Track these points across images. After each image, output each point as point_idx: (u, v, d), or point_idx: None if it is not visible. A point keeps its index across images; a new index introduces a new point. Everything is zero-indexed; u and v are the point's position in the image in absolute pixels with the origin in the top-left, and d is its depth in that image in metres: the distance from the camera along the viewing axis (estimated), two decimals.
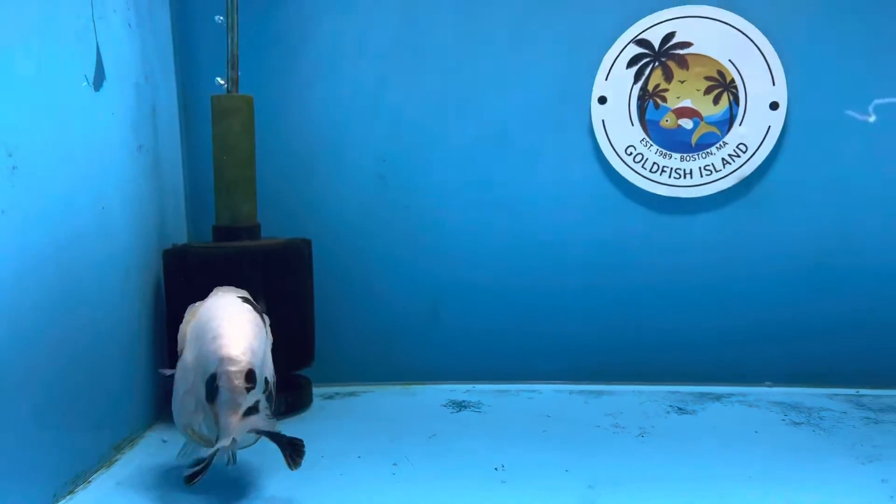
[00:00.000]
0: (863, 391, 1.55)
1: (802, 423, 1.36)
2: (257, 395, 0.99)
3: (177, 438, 1.08)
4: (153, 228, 1.42)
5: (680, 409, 1.45)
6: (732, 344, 1.60)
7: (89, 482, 1.11)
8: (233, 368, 0.97)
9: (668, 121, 1.55)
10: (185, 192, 1.61)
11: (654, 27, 1.53)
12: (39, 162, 1.02)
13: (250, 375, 0.98)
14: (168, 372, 1.13)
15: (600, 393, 1.56)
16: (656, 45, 1.53)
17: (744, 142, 1.53)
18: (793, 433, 1.31)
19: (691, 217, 1.58)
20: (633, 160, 1.56)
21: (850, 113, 1.50)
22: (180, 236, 1.57)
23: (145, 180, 1.39)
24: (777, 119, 1.52)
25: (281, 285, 1.39)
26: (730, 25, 1.51)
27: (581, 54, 1.55)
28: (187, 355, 1.06)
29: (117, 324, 1.26)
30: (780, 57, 1.50)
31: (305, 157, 1.60)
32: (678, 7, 1.52)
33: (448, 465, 1.17)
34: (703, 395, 1.54)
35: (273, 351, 1.14)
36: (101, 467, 1.17)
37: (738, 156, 1.54)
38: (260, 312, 1.12)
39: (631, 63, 1.54)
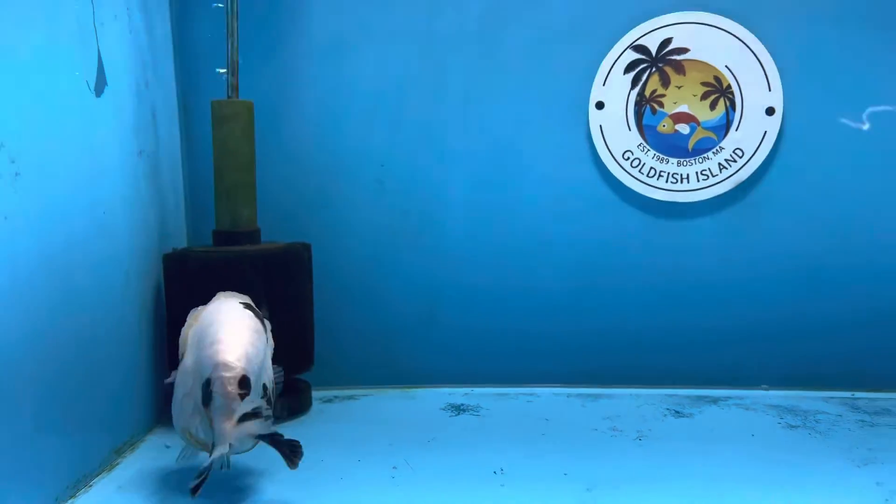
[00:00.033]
0: (858, 394, 1.56)
1: (799, 426, 1.37)
2: (254, 400, 1.00)
3: (178, 443, 1.09)
4: (153, 233, 1.43)
5: (677, 412, 1.46)
6: (729, 347, 1.61)
7: (90, 486, 1.12)
8: (227, 374, 0.98)
9: (665, 126, 1.56)
10: (184, 196, 1.61)
11: (651, 33, 1.54)
12: (42, 168, 1.03)
13: (244, 382, 0.98)
14: (171, 380, 1.14)
15: (598, 396, 1.57)
16: (653, 51, 1.55)
17: (740, 147, 1.55)
18: (789, 436, 1.32)
19: (688, 221, 1.59)
20: (631, 165, 1.57)
21: (845, 121, 1.52)
22: (180, 240, 1.57)
23: (146, 185, 1.40)
24: (773, 124, 1.53)
25: (281, 290, 1.40)
26: (726, 31, 1.52)
27: (579, 60, 1.56)
28: (187, 359, 1.07)
29: (118, 327, 1.26)
30: (776, 63, 1.52)
31: (305, 162, 1.61)
32: (675, 13, 1.53)
33: (448, 469, 1.18)
34: (700, 398, 1.55)
35: (273, 355, 1.15)
36: (103, 471, 1.17)
37: (735, 161, 1.55)
38: (261, 318, 1.13)
39: (628, 69, 1.56)
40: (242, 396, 0.98)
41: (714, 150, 1.56)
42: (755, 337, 1.60)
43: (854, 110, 1.52)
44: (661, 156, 1.57)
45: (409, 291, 1.64)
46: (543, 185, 1.60)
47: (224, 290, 1.26)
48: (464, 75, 1.58)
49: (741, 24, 1.52)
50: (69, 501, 1.06)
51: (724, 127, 1.55)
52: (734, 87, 1.54)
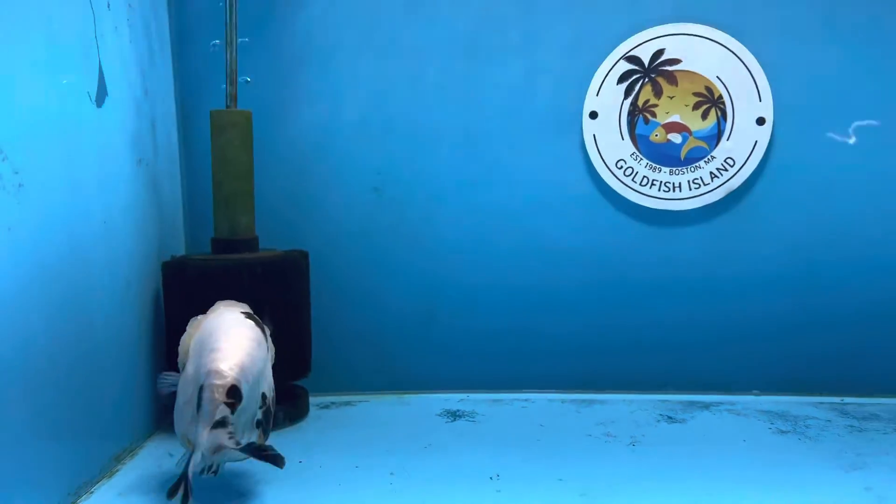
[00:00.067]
0: (847, 399, 1.59)
1: (789, 431, 1.39)
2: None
3: (180, 449, 1.10)
4: (153, 240, 1.44)
5: (670, 417, 1.48)
6: (721, 353, 1.63)
7: (91, 493, 1.13)
8: (217, 382, 1.00)
9: (657, 135, 1.59)
10: (183, 204, 1.63)
11: (644, 44, 1.57)
12: (44, 178, 1.04)
13: (232, 391, 1.00)
14: (165, 385, 1.15)
15: (592, 402, 1.59)
16: (646, 62, 1.57)
17: (731, 156, 1.57)
18: (780, 442, 1.34)
19: (680, 229, 1.62)
20: (624, 174, 1.60)
21: (831, 135, 1.54)
22: (178, 248, 1.59)
23: (145, 193, 1.41)
24: (763, 134, 1.56)
25: (279, 297, 1.41)
26: (718, 43, 1.55)
27: (573, 70, 1.59)
28: (189, 368, 1.08)
29: (117, 335, 1.28)
30: (767, 74, 1.54)
31: (302, 171, 1.62)
32: (667, 25, 1.56)
33: (444, 475, 1.19)
34: (692, 403, 1.58)
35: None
36: (103, 477, 1.18)
37: (726, 170, 1.57)
38: (261, 327, 1.15)
39: (621, 79, 1.58)
40: (229, 405, 0.99)
41: (706, 159, 1.58)
42: (746, 343, 1.63)
43: (841, 122, 1.55)
44: (654, 164, 1.59)
45: (405, 298, 1.66)
46: (537, 194, 1.62)
47: (223, 297, 1.27)
48: (459, 84, 1.60)
49: (732, 36, 1.54)
50: None
51: (715, 136, 1.57)
52: (725, 98, 1.56)
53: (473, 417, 1.50)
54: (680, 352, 1.63)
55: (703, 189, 1.59)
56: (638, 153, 1.59)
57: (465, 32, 1.60)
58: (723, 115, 1.57)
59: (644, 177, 1.59)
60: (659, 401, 1.59)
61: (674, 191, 1.59)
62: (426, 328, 1.66)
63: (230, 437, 0.98)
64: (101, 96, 1.23)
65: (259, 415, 1.07)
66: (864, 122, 1.53)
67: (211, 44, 1.51)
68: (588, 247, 1.62)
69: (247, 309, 1.21)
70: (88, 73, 1.20)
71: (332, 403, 1.60)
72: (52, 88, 1.08)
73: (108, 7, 1.27)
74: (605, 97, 1.58)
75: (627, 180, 1.60)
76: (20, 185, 0.98)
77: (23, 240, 0.99)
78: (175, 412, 1.08)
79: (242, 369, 1.02)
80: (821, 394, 1.61)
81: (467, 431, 1.42)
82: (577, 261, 1.62)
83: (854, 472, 1.19)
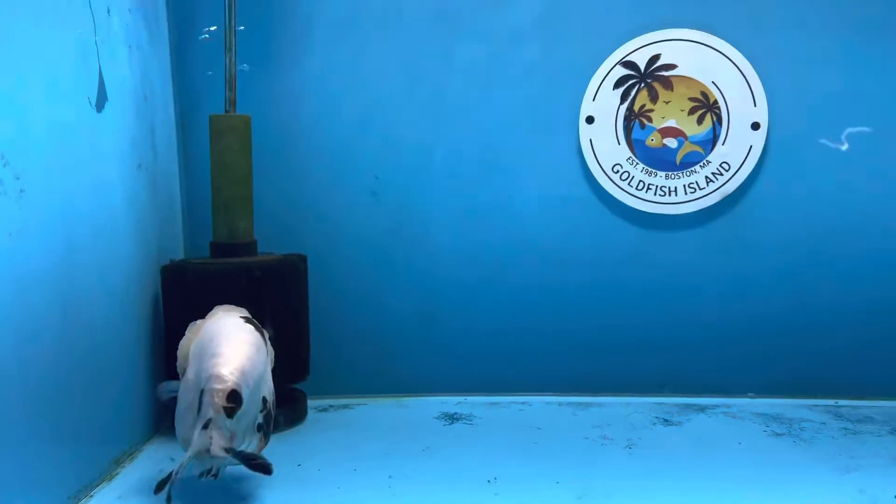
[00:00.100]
0: (841, 402, 1.60)
1: (784, 434, 1.41)
2: (249, 414, 1.03)
3: (181, 453, 1.11)
4: (152, 245, 1.45)
5: (666, 420, 1.49)
6: (716, 355, 1.65)
7: (91, 496, 1.13)
8: (217, 386, 1.01)
9: (653, 140, 1.60)
10: (181, 208, 1.63)
11: (639, 49, 1.58)
12: (45, 183, 1.05)
13: (233, 396, 1.01)
14: (165, 392, 1.16)
15: (588, 405, 1.60)
16: (642, 67, 1.58)
17: (726, 160, 1.58)
18: (775, 444, 1.35)
19: (676, 233, 1.63)
20: (620, 178, 1.61)
21: (824, 141, 1.56)
22: (177, 252, 1.59)
23: (144, 198, 1.42)
24: (758, 139, 1.57)
25: (277, 301, 1.42)
26: (713, 48, 1.56)
27: (569, 75, 1.60)
28: (189, 373, 1.09)
29: (117, 338, 1.28)
30: (761, 79, 1.55)
31: (300, 175, 1.63)
32: (663, 30, 1.57)
33: (442, 478, 1.20)
34: (688, 406, 1.59)
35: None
36: (103, 481, 1.19)
37: (721, 174, 1.59)
38: (260, 331, 1.16)
39: (617, 84, 1.59)
40: (229, 410, 1.00)
41: (701, 163, 1.59)
42: (741, 345, 1.64)
43: (835, 127, 1.56)
44: (650, 169, 1.60)
45: (402, 301, 1.67)
46: (534, 198, 1.63)
47: (222, 301, 1.28)
48: (457, 90, 1.61)
49: (727, 42, 1.56)
50: None
51: (710, 141, 1.59)
52: (721, 103, 1.57)
53: (471, 420, 1.51)
54: (676, 354, 1.65)
55: (699, 193, 1.60)
56: (634, 157, 1.60)
57: (464, 38, 1.60)
58: (718, 120, 1.58)
59: (640, 181, 1.61)
60: (655, 403, 1.60)
61: (670, 195, 1.60)
62: (424, 331, 1.67)
63: (220, 443, 0.99)
64: (101, 101, 1.24)
65: (260, 418, 1.08)
66: (857, 129, 1.55)
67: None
68: (585, 250, 1.63)
69: (245, 313, 1.22)
70: (89, 79, 1.21)
71: (331, 406, 1.61)
72: (53, 94, 1.09)
73: (108, 12, 1.28)
74: (602, 102, 1.59)
75: (624, 184, 1.61)
76: (21, 191, 0.99)
77: (24, 244, 0.99)
78: (176, 417, 1.09)
79: (243, 374, 1.02)
80: (815, 396, 1.62)
81: (465, 434, 1.43)
82: (574, 264, 1.64)
83: (848, 474, 1.20)
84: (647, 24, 1.57)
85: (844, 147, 1.55)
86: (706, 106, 1.58)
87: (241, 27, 1.49)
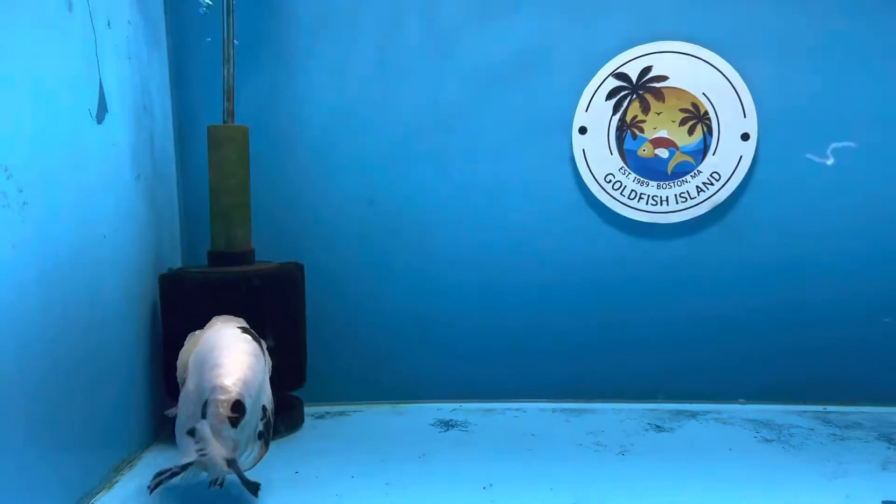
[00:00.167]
0: (830, 407, 1.63)
1: (773, 440, 1.43)
2: (251, 423, 1.05)
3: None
4: (150, 253, 1.46)
5: (658, 426, 1.52)
6: (707, 362, 1.67)
7: None
8: (222, 397, 1.03)
9: (645, 150, 1.63)
10: (179, 217, 1.65)
11: (631, 61, 1.61)
12: (47, 195, 1.07)
13: (237, 406, 1.03)
14: (172, 413, 1.18)
15: (582, 411, 1.62)
16: (634, 79, 1.61)
17: (717, 170, 1.61)
18: (764, 450, 1.38)
19: (667, 242, 1.65)
20: (612, 187, 1.63)
21: (810, 156, 1.59)
22: (175, 260, 1.61)
23: (143, 207, 1.43)
24: (748, 149, 1.60)
25: (275, 309, 1.44)
26: (703, 61, 1.59)
27: (562, 87, 1.62)
28: (189, 384, 1.11)
29: (116, 347, 1.30)
30: (751, 91, 1.58)
31: (297, 184, 1.65)
32: (655, 42, 1.60)
33: (439, 485, 1.22)
34: (679, 412, 1.61)
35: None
36: (103, 488, 1.20)
37: (712, 184, 1.61)
38: (258, 340, 1.17)
39: (610, 95, 1.62)
40: (234, 420, 1.02)
41: (692, 173, 1.62)
42: (732, 353, 1.66)
43: (822, 138, 1.59)
44: (642, 179, 1.63)
45: (398, 310, 1.68)
46: (529, 208, 1.65)
47: (220, 309, 1.30)
48: (453, 100, 1.63)
49: (718, 54, 1.58)
50: None
51: (701, 151, 1.61)
52: (711, 114, 1.60)
53: (466, 427, 1.53)
54: (668, 361, 1.67)
55: (690, 203, 1.62)
56: (626, 167, 1.63)
57: (460, 48, 1.62)
58: (709, 131, 1.61)
59: (632, 190, 1.63)
60: (647, 410, 1.63)
61: (661, 204, 1.63)
62: (419, 338, 1.69)
63: (223, 453, 1.02)
64: (101, 113, 1.26)
65: (260, 426, 1.10)
66: (842, 144, 1.58)
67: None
68: (578, 259, 1.66)
69: (243, 323, 1.23)
70: (89, 91, 1.22)
71: (327, 413, 1.62)
72: (55, 106, 1.11)
73: (109, 25, 1.29)
74: (594, 113, 1.62)
75: (616, 194, 1.63)
76: (24, 203, 1.01)
77: (26, 256, 1.01)
78: (177, 426, 1.11)
79: (245, 384, 1.04)
80: (805, 402, 1.65)
81: (461, 441, 1.45)
82: (567, 273, 1.66)
83: (836, 479, 1.23)
84: (639, 37, 1.60)
85: (830, 161, 1.58)
86: (697, 117, 1.61)
87: (237, 42, 1.51)
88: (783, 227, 1.63)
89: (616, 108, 1.62)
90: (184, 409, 1.09)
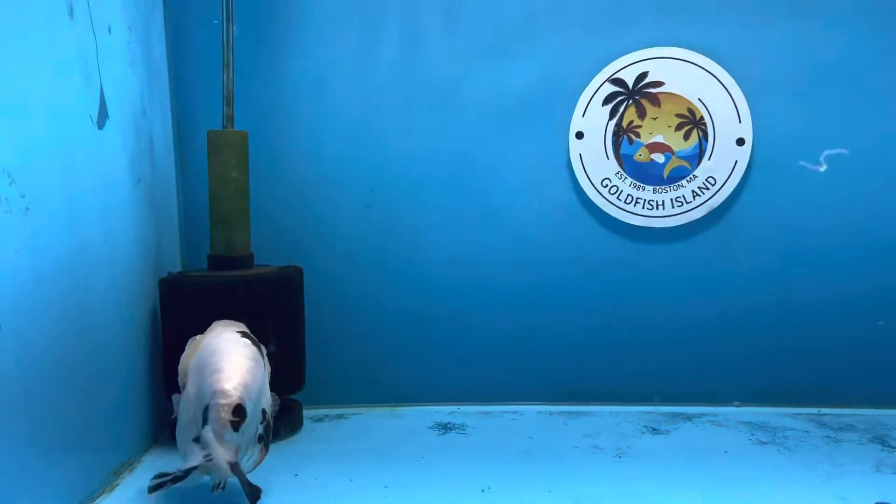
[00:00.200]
0: (824, 410, 1.65)
1: (768, 442, 1.45)
2: (251, 426, 1.06)
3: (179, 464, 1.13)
4: (150, 258, 1.47)
5: (654, 429, 1.53)
6: (702, 365, 1.68)
7: None
8: (223, 402, 1.04)
9: (641, 155, 1.64)
10: (178, 221, 1.66)
11: (628, 67, 1.62)
12: (49, 201, 1.07)
13: (238, 410, 1.04)
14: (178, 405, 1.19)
15: (578, 414, 1.63)
16: (630, 84, 1.62)
17: (712, 175, 1.63)
18: (760, 452, 1.39)
19: (663, 245, 1.67)
20: (609, 192, 1.65)
21: (803, 163, 1.61)
22: (174, 264, 1.62)
23: (143, 212, 1.44)
24: (743, 154, 1.61)
25: (275, 312, 1.45)
26: (699, 66, 1.60)
27: (560, 92, 1.63)
28: (190, 388, 1.12)
29: (117, 350, 1.30)
30: (746, 96, 1.60)
31: (296, 188, 1.66)
32: (651, 48, 1.61)
33: (437, 487, 1.23)
34: (675, 415, 1.62)
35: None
36: (104, 491, 1.21)
37: (708, 188, 1.63)
38: (257, 345, 1.18)
39: (606, 101, 1.63)
40: (235, 424, 1.03)
41: (688, 178, 1.63)
42: (727, 355, 1.68)
43: (817, 143, 1.61)
44: (638, 183, 1.64)
45: (396, 313, 1.69)
46: (526, 211, 1.66)
47: (219, 313, 1.31)
48: (450, 105, 1.65)
49: (713, 60, 1.60)
50: None
51: (697, 156, 1.63)
52: (706, 119, 1.62)
53: (464, 430, 1.54)
54: (664, 364, 1.68)
55: (686, 207, 1.64)
56: (623, 172, 1.64)
57: (457, 54, 1.64)
58: (704, 136, 1.62)
59: (628, 195, 1.64)
60: (644, 412, 1.64)
61: (657, 208, 1.64)
62: (417, 342, 1.70)
63: (227, 457, 1.03)
64: (102, 119, 1.27)
65: (260, 429, 1.11)
66: (835, 151, 1.60)
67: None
68: (575, 263, 1.67)
69: (243, 328, 1.24)
70: (90, 97, 1.23)
71: (326, 416, 1.63)
72: (57, 112, 1.11)
73: (110, 32, 1.30)
74: (591, 118, 1.63)
75: (612, 198, 1.65)
76: (27, 209, 1.01)
77: (28, 260, 1.01)
78: (178, 430, 1.12)
79: (245, 388, 1.05)
80: (799, 405, 1.66)
81: (458, 444, 1.46)
82: (565, 277, 1.67)
83: (830, 481, 1.24)
84: (635, 43, 1.62)
85: (823, 168, 1.60)
86: (692, 122, 1.62)
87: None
88: (778, 231, 1.64)
89: (613, 114, 1.63)
90: (184, 413, 1.10)
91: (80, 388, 1.15)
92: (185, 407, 1.11)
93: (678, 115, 1.62)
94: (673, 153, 1.63)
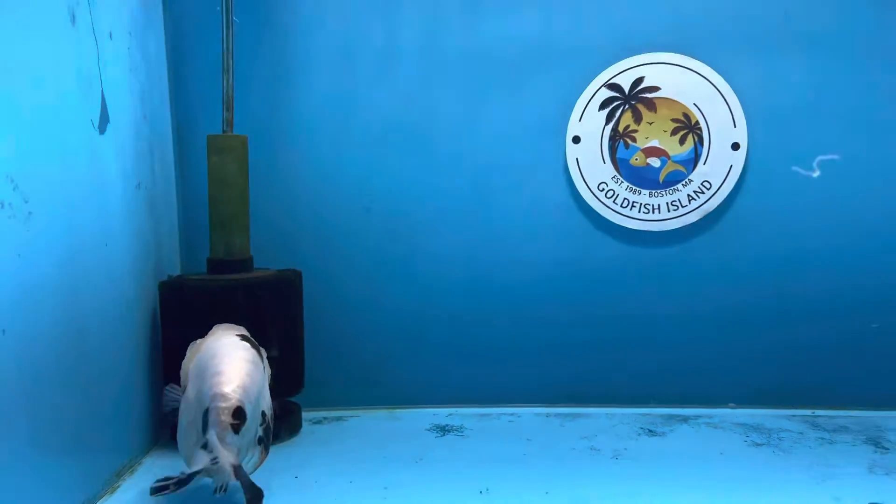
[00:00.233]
0: (818, 412, 1.66)
1: (763, 444, 1.46)
2: (251, 429, 1.07)
3: (184, 467, 1.14)
4: (150, 261, 1.48)
5: (650, 431, 1.54)
6: (698, 367, 1.70)
7: None
8: (222, 405, 1.05)
9: (637, 159, 1.66)
10: (178, 225, 1.67)
11: (624, 72, 1.64)
12: (51, 206, 1.08)
13: (237, 412, 1.05)
14: (169, 401, 1.19)
15: (576, 416, 1.65)
16: (626, 89, 1.64)
17: (708, 179, 1.64)
18: (755, 454, 1.41)
19: (659, 249, 1.68)
20: (605, 196, 1.66)
21: (796, 168, 1.62)
22: (174, 268, 1.62)
23: (144, 216, 1.45)
24: (738, 159, 1.63)
25: (274, 315, 1.46)
26: (694, 72, 1.62)
27: (557, 97, 1.65)
28: (190, 391, 1.13)
29: (117, 353, 1.31)
30: (741, 101, 1.61)
31: (295, 192, 1.67)
32: (647, 54, 1.63)
33: (436, 489, 1.24)
34: (671, 416, 1.64)
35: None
36: (105, 493, 1.22)
37: (703, 192, 1.65)
38: (257, 348, 1.19)
39: (603, 105, 1.65)
40: (235, 426, 1.04)
41: (683, 182, 1.65)
42: (723, 358, 1.69)
43: (811, 147, 1.62)
44: (634, 187, 1.66)
45: (394, 316, 1.70)
46: (523, 215, 1.68)
47: (219, 316, 1.32)
48: (448, 110, 1.66)
49: (708, 65, 1.61)
50: None
51: (692, 161, 1.64)
52: (702, 124, 1.63)
53: (462, 432, 1.55)
54: (660, 367, 1.70)
55: (681, 211, 1.65)
56: (619, 176, 1.66)
57: (455, 59, 1.65)
58: (699, 141, 1.64)
59: (625, 199, 1.66)
60: (640, 414, 1.65)
61: (653, 212, 1.66)
62: (416, 345, 1.71)
63: (230, 459, 1.03)
64: (103, 124, 1.28)
65: (260, 432, 1.12)
66: (828, 157, 1.62)
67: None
68: (572, 266, 1.68)
69: (243, 331, 1.25)
70: (92, 102, 1.24)
71: (325, 418, 1.64)
72: (59, 117, 1.12)
73: (111, 37, 1.31)
74: (588, 123, 1.65)
75: (609, 202, 1.66)
76: (30, 214, 1.02)
77: (31, 266, 1.02)
78: (178, 433, 1.13)
79: (245, 391, 1.06)
80: (793, 406, 1.68)
81: (457, 446, 1.47)
82: (562, 279, 1.68)
83: (824, 483, 1.26)
84: (632, 48, 1.63)
85: (816, 174, 1.62)
86: (688, 127, 1.64)
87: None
88: (772, 235, 1.66)
89: (609, 118, 1.65)
90: (185, 415, 1.11)
91: (80, 390, 1.16)
92: (185, 409, 1.12)
93: (674, 120, 1.64)
94: (669, 157, 1.65)
